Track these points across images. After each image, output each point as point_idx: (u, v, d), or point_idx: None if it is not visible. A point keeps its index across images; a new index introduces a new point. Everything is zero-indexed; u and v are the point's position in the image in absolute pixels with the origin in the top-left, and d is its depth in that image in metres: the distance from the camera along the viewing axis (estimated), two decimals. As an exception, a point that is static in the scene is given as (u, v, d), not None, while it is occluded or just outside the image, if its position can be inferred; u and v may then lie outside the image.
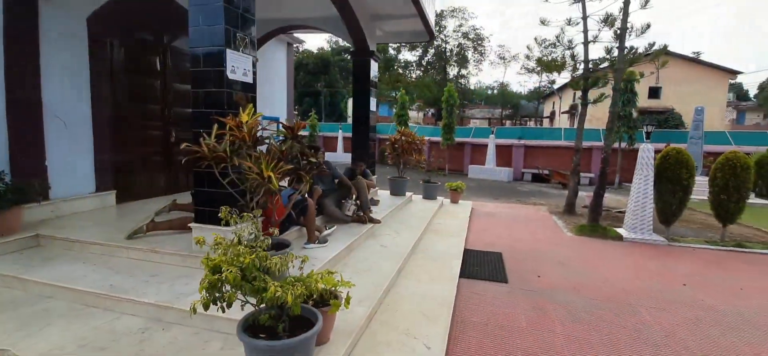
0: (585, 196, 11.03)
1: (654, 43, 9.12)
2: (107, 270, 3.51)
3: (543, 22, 9.76)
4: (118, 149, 5.81)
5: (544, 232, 7.53)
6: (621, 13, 8.01)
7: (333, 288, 2.64)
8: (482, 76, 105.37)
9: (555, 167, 17.32)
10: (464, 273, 4.75)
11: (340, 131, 24.92)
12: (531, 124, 43.54)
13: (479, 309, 3.89)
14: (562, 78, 18.73)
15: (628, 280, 4.99)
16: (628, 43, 8.22)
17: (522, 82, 64.97)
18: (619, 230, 7.50)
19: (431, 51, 36.36)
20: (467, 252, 5.64)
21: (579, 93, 9.66)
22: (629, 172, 16.87)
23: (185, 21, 3.52)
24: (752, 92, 43.48)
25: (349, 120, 43.87)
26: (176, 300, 2.92)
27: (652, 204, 7.24)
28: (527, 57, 27.82)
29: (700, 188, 9.52)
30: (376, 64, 8.70)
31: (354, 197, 5.90)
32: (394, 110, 31.01)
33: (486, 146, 19.03)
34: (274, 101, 10.48)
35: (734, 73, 24.17)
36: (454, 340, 3.23)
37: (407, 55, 37.18)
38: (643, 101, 22.02)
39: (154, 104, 6.43)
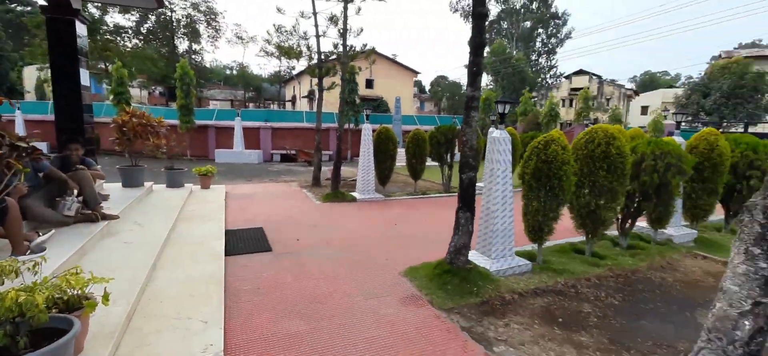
0: (327, 170, 12.77)
1: (367, 44, 11.52)
2: None
3: (279, 10, 10.45)
4: None
5: (297, 203, 8.39)
6: (342, 16, 9.67)
7: (78, 291, 2.30)
8: (220, 54, 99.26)
9: (300, 147, 18.95)
10: (229, 252, 4.84)
11: (18, 111, 18.07)
12: (274, 107, 45.08)
13: (249, 278, 4.16)
14: (301, 65, 20.44)
15: (362, 228, 6.43)
16: (349, 42, 10.04)
17: (262, 65, 65.61)
18: (353, 193, 9.27)
19: (152, 18, 31.19)
20: (229, 232, 5.69)
21: (316, 80, 10.99)
22: (356, 147, 20.59)
23: None
24: (427, 87, 60.53)
25: (29, 96, 32.20)
26: None
27: (374, 171, 9.35)
28: (267, 41, 28.38)
29: (401, 156, 12.88)
30: (85, 27, 7.01)
31: (75, 192, 4.76)
32: (106, 86, 25.23)
33: (232, 129, 18.53)
34: None
35: (416, 72, 33.33)
36: (230, 309, 3.40)
37: (118, 19, 30.20)
38: (362, 90, 26.98)
39: None
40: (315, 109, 32.76)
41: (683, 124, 9.83)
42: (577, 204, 5.01)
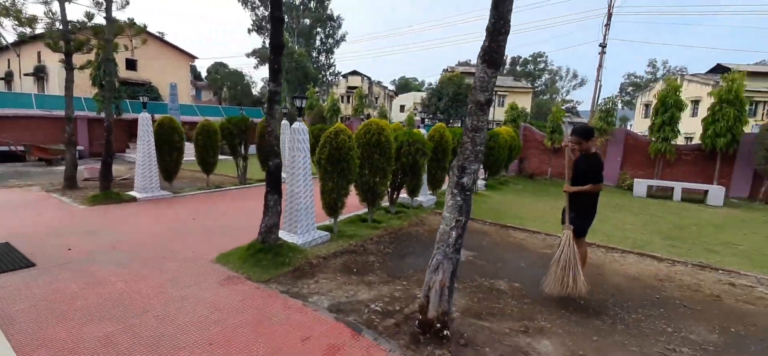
0: (83, 169, 10.46)
1: (133, 19, 10.02)
2: None
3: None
4: None
5: (51, 211, 6.71)
6: (101, -17, 8.12)
7: None
8: None
9: (32, 142, 14.36)
10: (-37, 276, 3.70)
11: None
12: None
13: (18, 298, 3.40)
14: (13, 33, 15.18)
15: (155, 227, 5.91)
16: (112, 13, 8.51)
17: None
18: (131, 193, 8.09)
19: None
20: (-51, 255, 4.21)
21: (57, 54, 8.77)
22: (118, 141, 17.15)
23: None
24: (204, 74, 54.84)
25: None
26: None
27: (157, 165, 8.41)
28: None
29: (186, 150, 11.84)
30: None
31: None
32: None
33: None
34: None
35: (193, 57, 30.02)
36: (12, 331, 2.80)
37: None
38: (122, 72, 22.52)
39: None
40: (46, 91, 25.16)
41: (426, 120, 13.31)
42: (361, 182, 6.28)
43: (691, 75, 33.25)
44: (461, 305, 3.81)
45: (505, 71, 61.27)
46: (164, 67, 27.12)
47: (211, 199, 8.45)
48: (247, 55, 44.83)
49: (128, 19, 10.24)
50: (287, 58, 36.49)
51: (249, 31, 44.40)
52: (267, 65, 41.61)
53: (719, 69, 28.80)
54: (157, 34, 28.10)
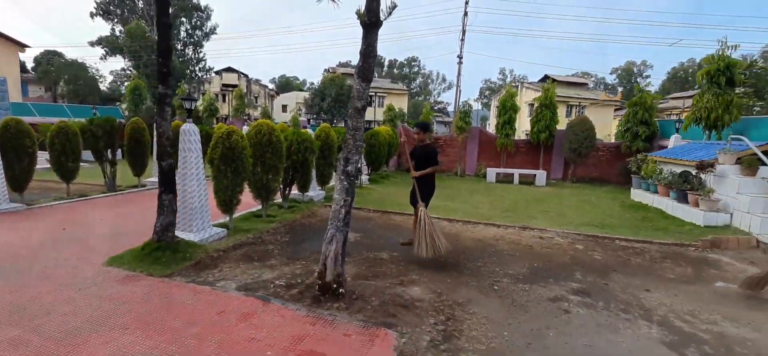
0: None
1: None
2: None
3: None
4: None
5: None
6: None
7: None
8: None
9: None
10: None
11: None
12: None
13: None
14: None
15: (20, 241, 5.34)
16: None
17: None
18: (-34, 208, 6.86)
19: None
20: None
21: None
22: None
23: None
24: (29, 65, 44.40)
25: None
26: None
27: (3, 175, 7.26)
28: None
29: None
30: None
31: None
32: None
33: None
34: None
35: (24, 46, 24.57)
36: None
37: None
38: None
39: None
40: None
41: (312, 120, 13.92)
42: (254, 180, 6.67)
43: (529, 83, 40.77)
44: (352, 272, 4.67)
45: (383, 73, 65.20)
46: (-21, 56, 21.86)
47: (78, 208, 7.68)
48: (92, 44, 38.13)
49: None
50: (146, 49, 32.49)
51: (92, 15, 38.00)
52: (119, 56, 36.17)
53: (546, 78, 36.00)
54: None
